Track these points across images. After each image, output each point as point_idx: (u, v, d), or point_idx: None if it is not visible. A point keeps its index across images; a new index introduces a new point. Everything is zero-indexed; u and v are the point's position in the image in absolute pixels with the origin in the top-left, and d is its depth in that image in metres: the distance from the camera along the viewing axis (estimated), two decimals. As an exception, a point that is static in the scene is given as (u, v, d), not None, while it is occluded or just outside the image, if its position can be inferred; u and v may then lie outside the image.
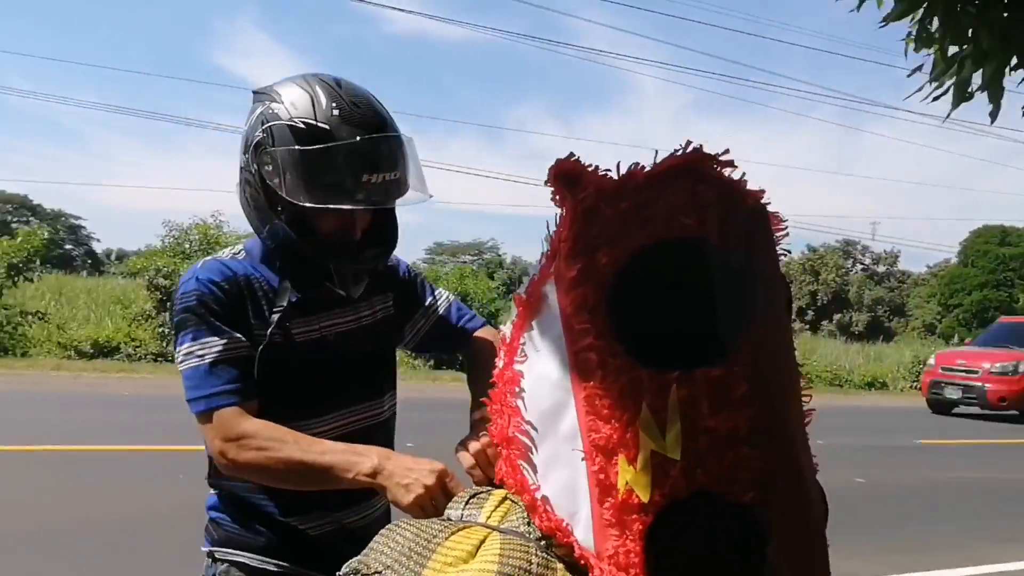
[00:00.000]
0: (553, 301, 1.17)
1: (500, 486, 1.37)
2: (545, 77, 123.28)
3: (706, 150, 1.14)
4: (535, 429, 1.22)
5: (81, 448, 7.24)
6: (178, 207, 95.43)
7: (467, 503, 1.36)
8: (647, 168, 1.12)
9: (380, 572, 1.22)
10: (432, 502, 1.35)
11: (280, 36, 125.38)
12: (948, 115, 2.76)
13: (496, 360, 1.30)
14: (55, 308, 18.37)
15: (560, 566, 1.18)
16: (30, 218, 49.61)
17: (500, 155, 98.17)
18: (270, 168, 1.48)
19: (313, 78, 1.53)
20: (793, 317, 1.39)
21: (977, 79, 2.70)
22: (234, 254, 1.59)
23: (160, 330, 15.80)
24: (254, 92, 1.57)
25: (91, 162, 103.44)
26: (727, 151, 1.15)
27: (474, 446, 1.40)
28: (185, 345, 1.50)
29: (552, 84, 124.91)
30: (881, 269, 53.76)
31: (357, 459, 1.42)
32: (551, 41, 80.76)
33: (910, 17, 2.82)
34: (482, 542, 1.21)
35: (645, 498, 1.07)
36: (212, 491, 1.64)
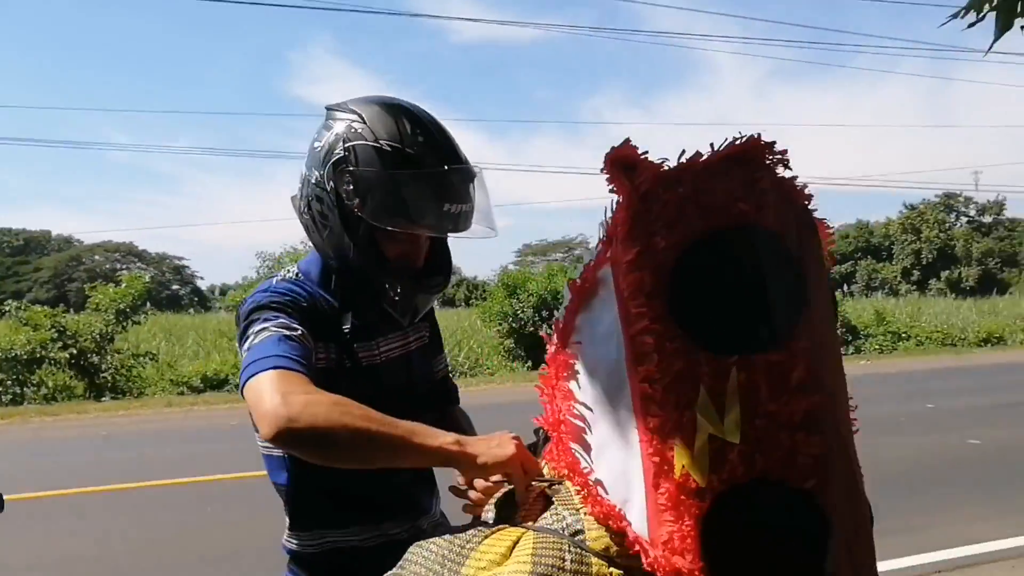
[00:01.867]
0: (609, 285, 1.18)
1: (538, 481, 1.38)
2: (618, 66, 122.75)
3: (764, 139, 1.16)
4: (589, 412, 1.23)
5: (193, 480, 7.50)
6: (271, 237, 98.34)
7: (502, 505, 1.38)
8: (704, 156, 1.14)
9: None
10: (524, 459, 1.33)
11: (354, 59, 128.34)
12: (990, 48, 2.57)
13: (548, 346, 1.31)
14: (166, 347, 19.13)
15: (595, 560, 1.17)
16: (137, 264, 51.89)
17: (581, 149, 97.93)
18: (351, 188, 1.49)
19: (392, 102, 1.54)
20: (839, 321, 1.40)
21: None
22: (295, 277, 1.57)
23: (263, 358, 16.31)
24: (328, 108, 1.57)
25: (188, 203, 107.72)
26: (785, 151, 1.17)
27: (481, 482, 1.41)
28: (260, 326, 1.41)
29: (626, 72, 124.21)
30: (988, 219, 51.52)
31: (436, 432, 1.34)
32: (620, 30, 79.91)
33: None
34: (516, 542, 1.21)
35: (702, 482, 1.07)
36: (287, 543, 1.63)
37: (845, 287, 35.89)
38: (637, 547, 1.14)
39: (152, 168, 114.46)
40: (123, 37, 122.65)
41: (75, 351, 14.91)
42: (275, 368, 1.32)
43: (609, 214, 1.19)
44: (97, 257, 55.59)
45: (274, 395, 1.28)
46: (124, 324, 15.82)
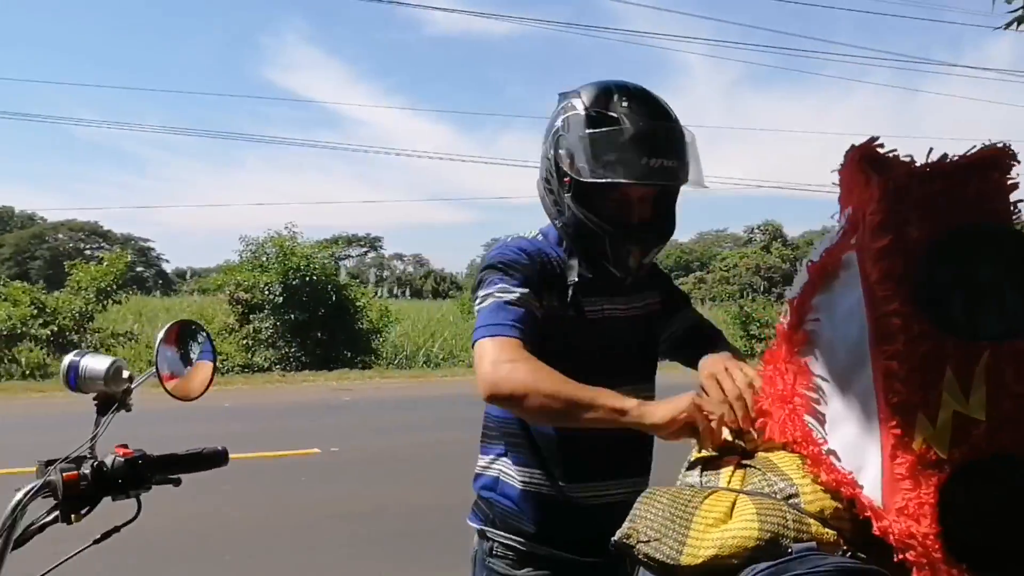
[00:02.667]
0: (853, 269, 1.24)
1: (728, 452, 1.44)
2: (591, 63, 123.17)
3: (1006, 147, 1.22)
4: (825, 386, 1.29)
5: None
6: (240, 221, 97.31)
7: (702, 469, 1.44)
8: (952, 157, 1.21)
9: (651, 538, 1.30)
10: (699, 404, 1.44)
11: (327, 47, 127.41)
12: None
13: (781, 319, 1.38)
14: (139, 328, 18.88)
15: (813, 521, 1.24)
16: (102, 244, 51.11)
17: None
18: (563, 152, 1.66)
19: (611, 80, 1.71)
20: None
21: None
22: (533, 236, 1.77)
23: (244, 342, 16.17)
24: (560, 94, 1.75)
25: (155, 185, 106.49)
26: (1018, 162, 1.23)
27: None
28: (486, 290, 1.64)
29: (598, 69, 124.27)
30: (951, 230, 52.29)
31: (621, 396, 1.49)
32: (594, 27, 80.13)
33: None
34: (733, 504, 1.29)
35: (943, 455, 1.13)
36: (486, 471, 1.77)
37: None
38: (868, 513, 1.20)
39: (120, 147, 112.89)
40: (93, 12, 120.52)
41: (55, 329, 14.71)
42: (492, 336, 1.56)
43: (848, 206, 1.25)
44: (61, 236, 54.74)
45: (486, 362, 1.53)
46: (104, 303, 15.63)
